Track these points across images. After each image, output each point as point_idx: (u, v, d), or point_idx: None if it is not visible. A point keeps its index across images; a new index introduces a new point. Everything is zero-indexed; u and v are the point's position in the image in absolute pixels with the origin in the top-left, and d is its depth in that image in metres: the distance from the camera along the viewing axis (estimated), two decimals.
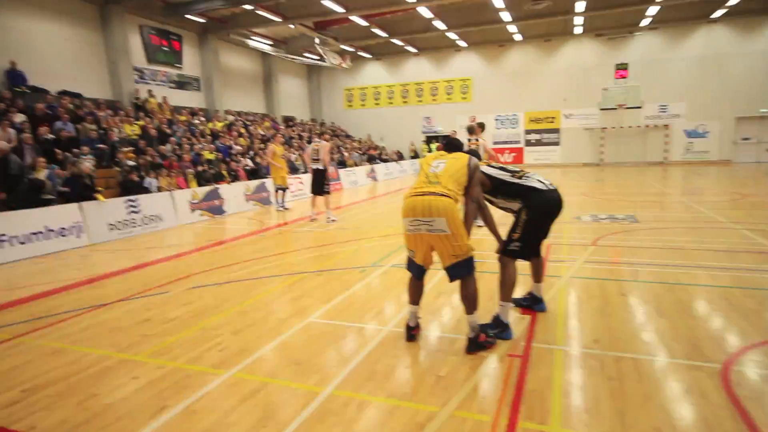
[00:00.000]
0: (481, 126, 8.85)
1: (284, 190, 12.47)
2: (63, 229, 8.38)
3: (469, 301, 3.44)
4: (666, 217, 9.22)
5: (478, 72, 26.74)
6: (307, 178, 13.25)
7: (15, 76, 12.52)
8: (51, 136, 10.99)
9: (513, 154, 26.51)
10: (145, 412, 2.85)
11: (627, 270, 5.53)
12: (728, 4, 19.77)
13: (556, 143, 25.73)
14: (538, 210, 3.72)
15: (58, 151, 10.54)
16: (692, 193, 12.96)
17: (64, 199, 9.06)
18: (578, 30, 23.64)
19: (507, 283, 3.74)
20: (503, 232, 3.85)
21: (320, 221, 10.09)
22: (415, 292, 3.68)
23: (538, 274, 4.18)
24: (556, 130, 25.67)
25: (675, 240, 7.03)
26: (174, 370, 3.37)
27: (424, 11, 19.83)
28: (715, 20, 21.99)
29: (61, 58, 14.35)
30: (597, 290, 4.80)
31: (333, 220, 9.92)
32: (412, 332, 3.71)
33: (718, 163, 22.58)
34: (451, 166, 3.49)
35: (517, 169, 3.89)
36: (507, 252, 3.78)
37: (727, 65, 22.24)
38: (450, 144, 3.84)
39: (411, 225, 3.39)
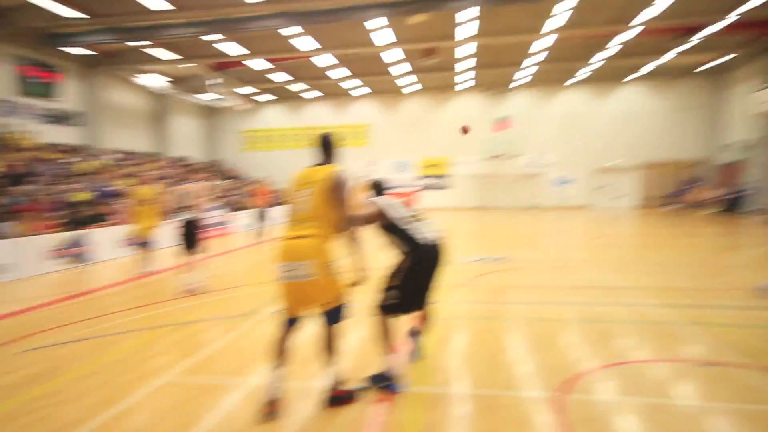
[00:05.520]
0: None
1: (146, 244, 8.74)
2: None
3: (331, 352, 3.29)
4: (535, 257, 10.11)
5: (376, 118, 28.00)
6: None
7: None
8: None
9: (409, 198, 27.76)
10: None
11: (494, 308, 5.92)
12: (587, 69, 22.98)
13: (447, 188, 27.50)
14: (420, 261, 3.54)
15: None
16: (558, 235, 14.44)
17: None
18: (467, 85, 25.96)
19: (387, 337, 3.54)
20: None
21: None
22: (282, 352, 3.27)
23: (422, 321, 4.01)
24: (447, 176, 27.51)
25: (540, 278, 7.71)
26: None
27: (328, 59, 20.47)
28: (575, 84, 25.48)
29: None
30: (467, 329, 5.06)
31: (192, 289, 7.15)
32: (272, 408, 3.17)
33: (580, 208, 25.50)
34: (317, 196, 3.19)
35: (415, 213, 3.74)
36: (384, 307, 3.55)
37: (587, 122, 25.69)
38: (323, 145, 3.43)
39: (281, 271, 3.20)
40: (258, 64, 20.57)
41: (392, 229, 3.60)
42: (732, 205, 20.44)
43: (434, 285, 3.68)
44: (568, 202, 25.89)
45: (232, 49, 17.88)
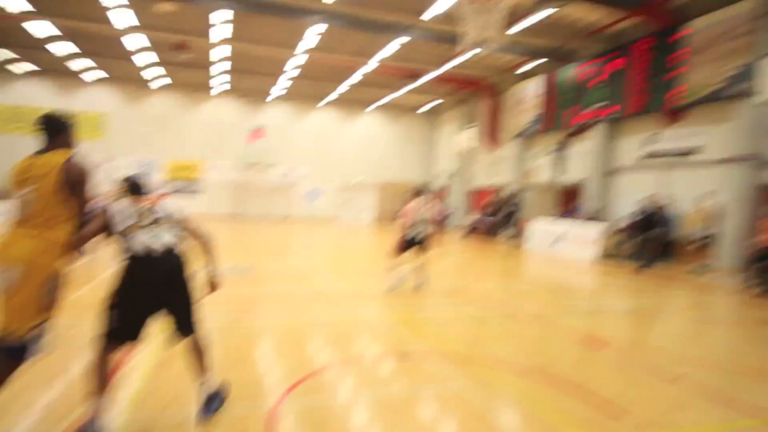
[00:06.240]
0: None
1: None
2: None
3: None
4: (281, 267, 10.52)
5: (116, 109, 24.52)
6: None
7: None
8: None
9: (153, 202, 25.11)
10: None
11: (233, 320, 5.92)
12: (332, 96, 25.32)
13: (198, 193, 26.02)
14: (131, 275, 3.05)
15: None
16: (305, 246, 15.39)
17: None
18: (222, 87, 25.10)
19: (95, 371, 2.96)
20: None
21: None
22: None
23: (197, 364, 3.36)
24: (198, 180, 25.99)
25: (283, 288, 8.07)
26: None
27: (44, 26, 16.76)
28: (327, 105, 27.57)
29: None
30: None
31: None
32: None
33: (329, 220, 27.71)
34: (43, 195, 2.64)
35: (156, 218, 3.22)
36: (98, 334, 3.06)
37: (336, 141, 28.08)
38: (47, 128, 2.82)
39: None
40: None
41: (118, 235, 3.07)
42: (440, 223, 25.43)
43: (164, 308, 3.17)
44: (318, 215, 27.71)
45: None
